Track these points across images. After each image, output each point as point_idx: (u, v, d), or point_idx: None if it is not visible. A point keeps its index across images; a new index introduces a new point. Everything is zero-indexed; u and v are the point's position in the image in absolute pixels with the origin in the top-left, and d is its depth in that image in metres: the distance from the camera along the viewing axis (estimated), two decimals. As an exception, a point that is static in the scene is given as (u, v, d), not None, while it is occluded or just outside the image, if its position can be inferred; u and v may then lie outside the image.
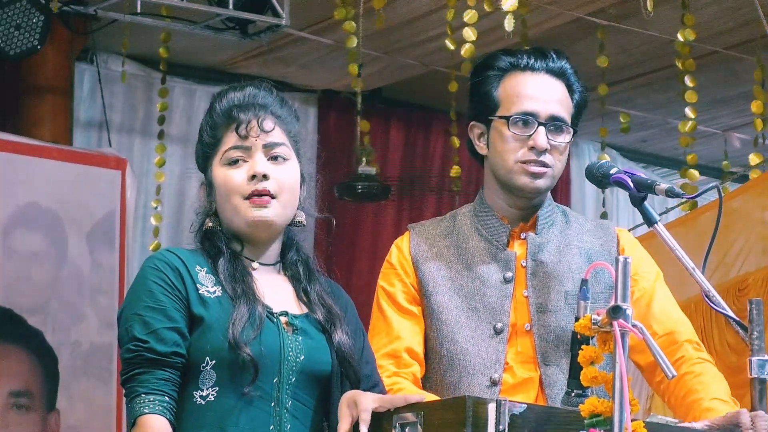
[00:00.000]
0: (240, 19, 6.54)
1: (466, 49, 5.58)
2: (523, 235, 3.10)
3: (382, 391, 2.86)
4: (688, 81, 6.19)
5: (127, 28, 6.71)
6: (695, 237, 5.48)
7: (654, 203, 3.60)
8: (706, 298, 2.85)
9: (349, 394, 2.67)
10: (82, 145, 7.41)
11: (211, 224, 2.84)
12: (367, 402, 2.60)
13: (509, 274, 3.05)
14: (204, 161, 2.88)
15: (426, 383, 3.09)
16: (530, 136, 3.05)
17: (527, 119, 3.06)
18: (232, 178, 2.80)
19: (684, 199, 3.24)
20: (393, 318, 3.10)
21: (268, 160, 2.81)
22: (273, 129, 2.83)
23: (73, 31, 6.96)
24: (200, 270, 2.77)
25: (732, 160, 7.86)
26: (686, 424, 2.78)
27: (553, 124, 3.06)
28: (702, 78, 6.69)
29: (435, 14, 6.86)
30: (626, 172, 2.98)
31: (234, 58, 7.82)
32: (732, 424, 2.72)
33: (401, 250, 3.17)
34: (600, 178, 3.02)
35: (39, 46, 6.45)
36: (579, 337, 2.60)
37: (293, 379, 2.72)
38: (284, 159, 2.83)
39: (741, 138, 8.60)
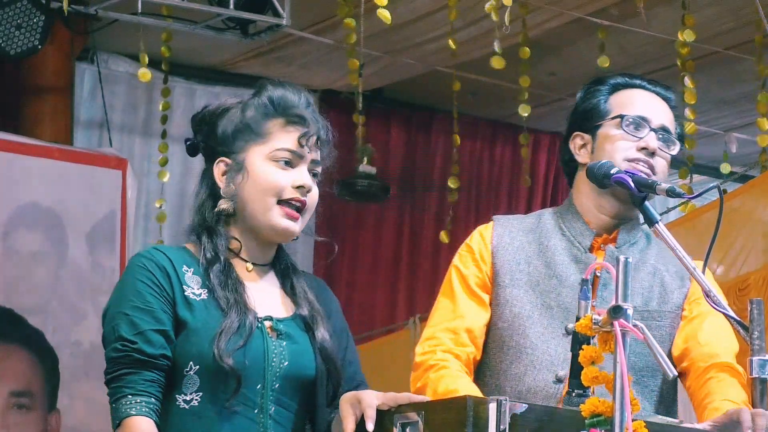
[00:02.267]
0: (241, 19, 6.55)
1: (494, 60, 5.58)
2: (602, 246, 3.11)
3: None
4: (689, 82, 6.19)
5: (132, 28, 6.71)
6: (696, 237, 5.48)
7: (654, 203, 3.60)
8: (707, 298, 2.85)
9: (350, 394, 2.67)
10: (82, 145, 7.41)
11: (225, 206, 2.79)
12: (371, 399, 2.60)
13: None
14: (240, 144, 2.81)
15: (487, 371, 3.10)
16: (641, 138, 3.09)
17: (640, 122, 3.10)
18: (277, 178, 2.76)
19: (685, 199, 3.25)
20: (461, 298, 3.11)
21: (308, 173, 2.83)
22: (321, 148, 2.85)
23: (74, 31, 6.96)
24: (187, 270, 2.74)
25: (733, 160, 7.86)
26: (688, 424, 2.78)
27: (663, 134, 3.11)
28: (702, 78, 6.69)
29: (436, 14, 6.86)
30: (627, 172, 2.98)
31: (234, 58, 7.82)
32: (732, 421, 2.72)
33: (483, 237, 3.17)
34: (601, 178, 3.02)
35: (39, 46, 6.45)
36: (580, 336, 2.60)
37: (277, 385, 2.71)
38: (318, 178, 2.85)
39: (739, 138, 8.60)
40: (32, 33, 6.39)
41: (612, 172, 2.99)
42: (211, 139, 2.85)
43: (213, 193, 2.82)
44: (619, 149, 3.08)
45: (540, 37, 6.86)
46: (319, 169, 2.84)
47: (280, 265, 2.87)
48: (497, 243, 3.14)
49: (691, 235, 5.51)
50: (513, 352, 3.05)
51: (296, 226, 2.78)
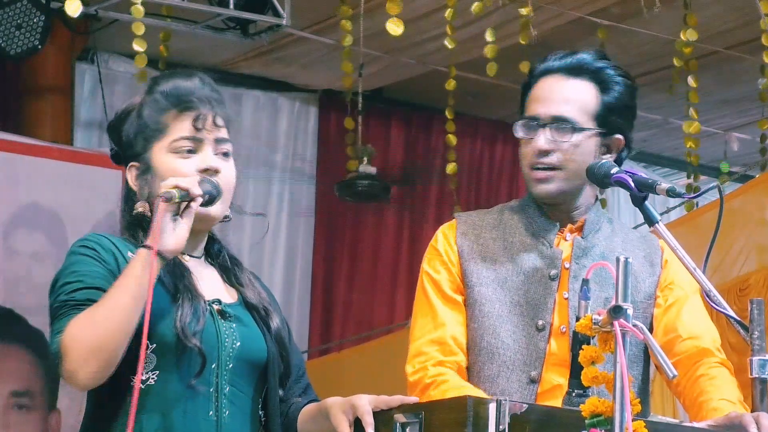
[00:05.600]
0: (241, 19, 6.55)
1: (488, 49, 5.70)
2: (568, 237, 3.10)
3: (307, 381, 2.90)
4: (691, 81, 6.19)
5: (132, 27, 6.70)
6: (696, 237, 5.47)
7: (655, 203, 3.60)
8: (707, 298, 2.85)
9: (340, 400, 2.67)
10: (82, 144, 7.41)
11: (141, 209, 2.77)
12: (366, 404, 2.60)
13: (554, 272, 3.04)
14: (143, 144, 2.79)
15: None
16: (533, 140, 3.06)
17: (529, 123, 3.07)
18: (177, 166, 2.74)
19: (685, 199, 3.23)
20: (439, 306, 3.08)
21: (215, 155, 2.78)
22: (224, 125, 2.81)
23: (74, 31, 6.96)
24: (132, 256, 2.71)
25: (732, 160, 7.87)
26: (688, 424, 2.78)
27: (556, 125, 3.06)
28: (703, 78, 6.69)
29: (435, 14, 6.86)
30: (627, 172, 2.98)
31: (235, 58, 7.82)
32: (734, 425, 2.71)
33: (447, 238, 3.13)
34: (601, 178, 3.01)
35: (40, 46, 6.45)
36: (580, 336, 2.60)
37: (230, 366, 2.73)
38: (229, 156, 2.81)
39: (740, 138, 8.60)
40: (32, 33, 6.39)
41: (612, 172, 2.98)
42: (120, 146, 2.85)
43: (130, 197, 2.81)
44: (522, 156, 3.09)
45: (541, 37, 6.85)
46: (227, 147, 2.80)
47: (217, 257, 2.87)
48: (462, 242, 3.10)
49: (692, 235, 5.51)
50: (485, 354, 3.03)
51: (212, 209, 2.74)
